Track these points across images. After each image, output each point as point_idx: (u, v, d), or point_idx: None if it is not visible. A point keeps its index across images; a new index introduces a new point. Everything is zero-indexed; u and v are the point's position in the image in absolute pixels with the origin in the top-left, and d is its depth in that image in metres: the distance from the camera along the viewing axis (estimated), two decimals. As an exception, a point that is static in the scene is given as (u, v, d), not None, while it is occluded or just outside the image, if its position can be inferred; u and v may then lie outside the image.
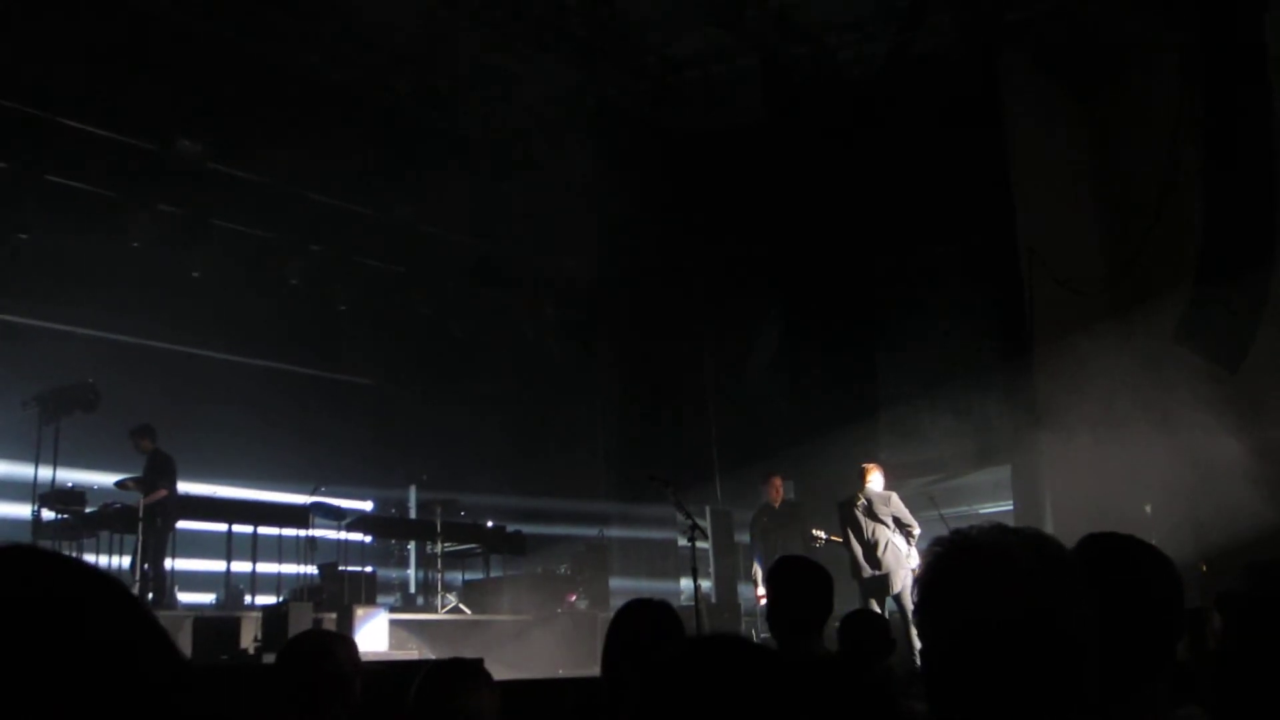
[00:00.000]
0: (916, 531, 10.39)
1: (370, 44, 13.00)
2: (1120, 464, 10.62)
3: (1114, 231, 13.16)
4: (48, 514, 11.18)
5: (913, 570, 9.86)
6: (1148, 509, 10.72)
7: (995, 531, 1.68)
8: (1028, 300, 12.53)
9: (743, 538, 14.34)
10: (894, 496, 10.53)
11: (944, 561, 1.65)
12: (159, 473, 11.47)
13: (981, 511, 13.39)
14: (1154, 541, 2.27)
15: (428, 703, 3.37)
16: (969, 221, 13.04)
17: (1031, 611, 1.54)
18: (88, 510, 11.38)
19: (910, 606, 9.13)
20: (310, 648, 3.70)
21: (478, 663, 3.60)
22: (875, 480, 10.61)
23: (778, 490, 12.69)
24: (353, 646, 3.76)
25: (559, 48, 13.31)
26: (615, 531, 15.23)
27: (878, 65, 13.38)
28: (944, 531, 1.77)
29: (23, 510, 11.22)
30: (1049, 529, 10.85)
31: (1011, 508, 12.69)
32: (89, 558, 11.57)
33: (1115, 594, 1.97)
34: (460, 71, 13.55)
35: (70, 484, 11.47)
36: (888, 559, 10.19)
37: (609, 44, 13.37)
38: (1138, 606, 2.01)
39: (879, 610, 9.66)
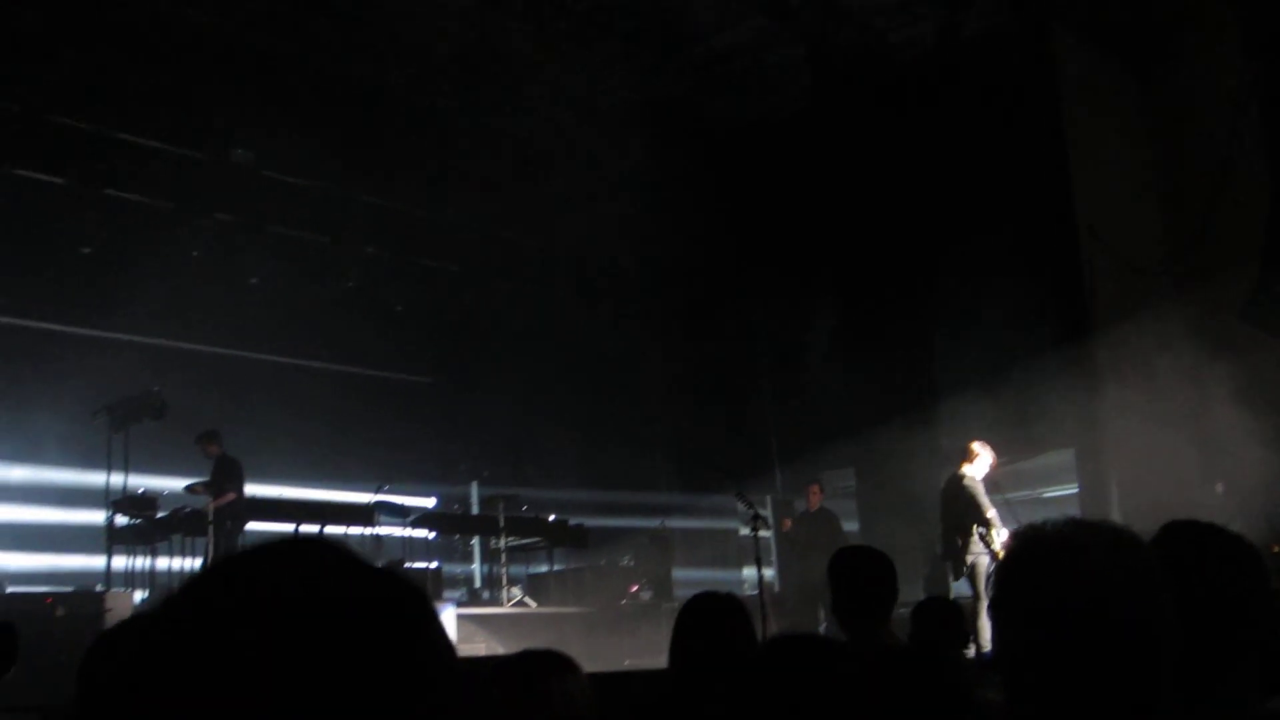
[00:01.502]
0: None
1: (417, 47, 13.08)
2: (1186, 444, 10.48)
3: (1176, 209, 12.95)
4: (121, 519, 11.42)
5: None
6: (1219, 488, 10.56)
7: (1069, 524, 1.68)
8: (1088, 281, 12.38)
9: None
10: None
11: (1019, 553, 1.66)
12: (226, 476, 11.65)
13: (1045, 496, 13.25)
14: (1226, 522, 2.24)
15: (520, 690, 3.39)
16: (1025, 204, 12.88)
17: (1105, 603, 1.55)
18: (159, 515, 11.61)
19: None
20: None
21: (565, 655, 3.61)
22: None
23: (815, 496, 12.79)
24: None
25: (605, 42, 13.32)
26: (677, 522, 15.27)
27: (927, 48, 13.26)
28: (1009, 516, 1.78)
29: (97, 516, 11.46)
30: (1115, 512, 10.75)
31: (1076, 491, 12.55)
32: (161, 561, 11.86)
33: (1196, 584, 1.96)
34: (507, 69, 13.60)
35: (141, 490, 11.69)
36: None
37: (655, 37, 13.35)
38: (1219, 596, 2.00)
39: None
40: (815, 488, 13.07)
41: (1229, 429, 10.45)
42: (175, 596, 0.89)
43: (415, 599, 0.92)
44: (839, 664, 1.41)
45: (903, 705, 1.39)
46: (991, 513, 9.85)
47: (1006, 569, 1.66)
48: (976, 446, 10.29)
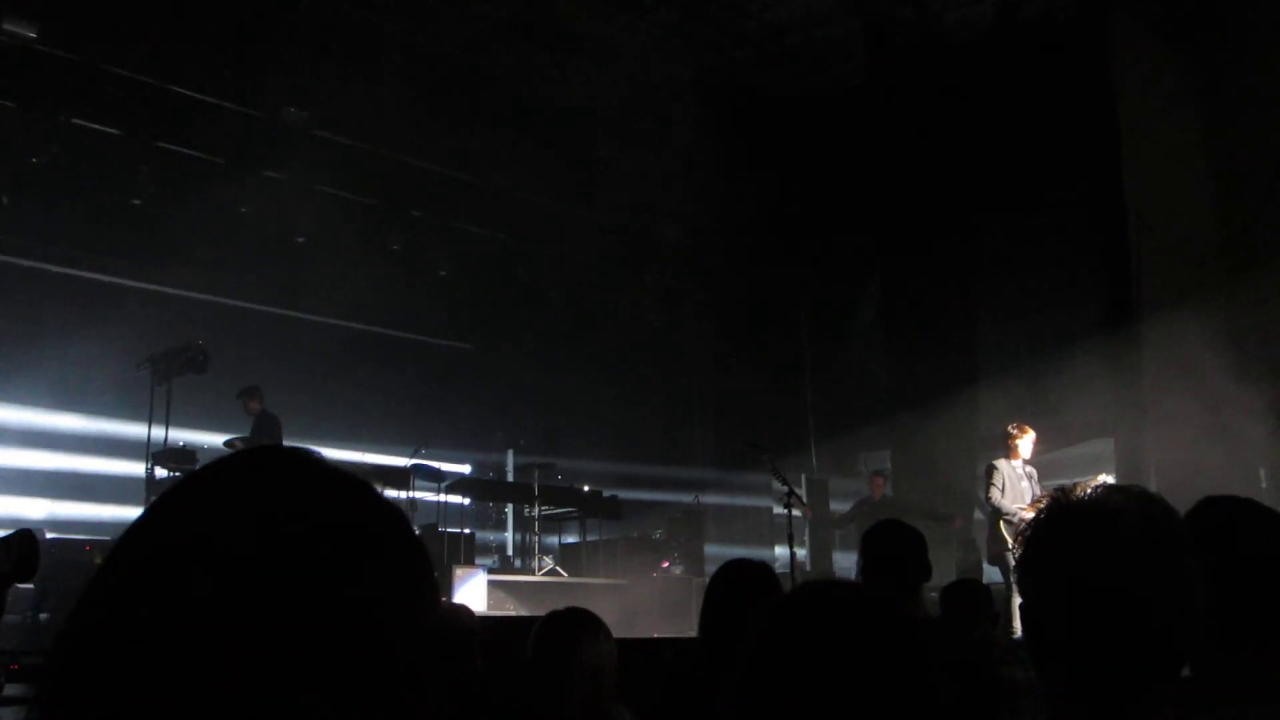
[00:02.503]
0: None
1: (473, 13, 13.06)
2: (1229, 437, 10.34)
3: (1227, 198, 12.75)
4: (161, 472, 11.51)
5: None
6: (1262, 474, 10.43)
7: (1101, 491, 1.66)
8: (1134, 268, 12.21)
9: (839, 506, 14.27)
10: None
11: (1048, 520, 1.63)
12: (265, 433, 11.73)
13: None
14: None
15: (550, 649, 3.40)
16: (1074, 188, 12.73)
17: (1133, 566, 1.52)
18: (198, 468, 11.69)
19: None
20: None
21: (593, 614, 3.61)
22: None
23: (879, 486, 12.73)
24: (469, 612, 3.86)
25: (659, 13, 13.25)
26: (711, 498, 15.26)
27: (984, 29, 13.09)
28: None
29: (137, 468, 11.57)
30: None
31: (1123, 484, 12.41)
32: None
33: (1230, 556, 1.92)
34: (560, 39, 13.57)
35: (182, 443, 11.78)
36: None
37: (709, 10, 13.28)
38: (1254, 570, 1.96)
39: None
40: (880, 480, 13.00)
41: (1273, 422, 10.31)
42: (134, 529, 0.87)
43: (391, 518, 0.89)
44: (876, 612, 1.38)
45: (928, 668, 1.36)
46: (995, 497, 9.68)
47: (1036, 530, 1.63)
48: (1011, 429, 10.13)
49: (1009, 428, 10.09)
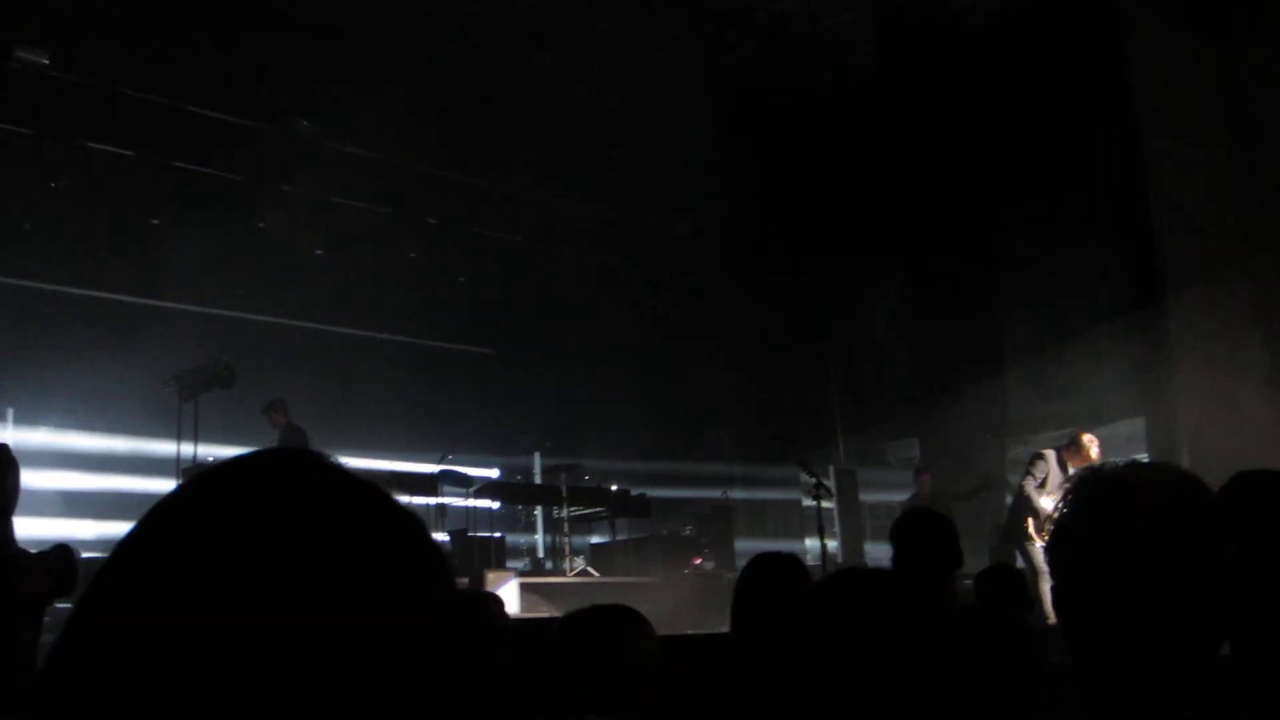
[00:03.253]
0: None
1: (477, 17, 13.07)
2: (1261, 411, 10.24)
3: (1250, 173, 12.62)
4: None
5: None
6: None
7: (1131, 466, 1.64)
8: (1158, 246, 12.12)
9: (867, 497, 14.23)
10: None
11: (1075, 495, 1.62)
12: (293, 445, 11.76)
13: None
14: None
15: (589, 644, 3.37)
16: (1094, 168, 12.64)
17: (1164, 541, 1.50)
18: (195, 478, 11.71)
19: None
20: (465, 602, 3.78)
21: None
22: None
23: (925, 484, 12.61)
24: (500, 602, 3.85)
25: (668, 7, 13.23)
26: (739, 493, 15.24)
27: (994, 10, 13.01)
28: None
29: (167, 485, 11.63)
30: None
31: (1153, 461, 12.32)
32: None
33: (1263, 531, 1.90)
34: (567, 39, 13.56)
35: (210, 458, 11.82)
36: None
37: (716, 3, 13.25)
38: None
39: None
40: (925, 476, 12.75)
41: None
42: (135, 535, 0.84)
43: (405, 521, 0.87)
44: (907, 599, 1.37)
45: (959, 655, 1.35)
46: (1028, 485, 9.53)
47: (1065, 510, 1.61)
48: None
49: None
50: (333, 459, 0.89)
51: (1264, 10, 12.20)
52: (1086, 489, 1.61)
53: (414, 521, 0.88)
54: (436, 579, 0.86)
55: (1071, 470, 9.60)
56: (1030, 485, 9.56)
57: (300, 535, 0.80)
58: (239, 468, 0.88)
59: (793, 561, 3.79)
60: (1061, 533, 1.62)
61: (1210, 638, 1.51)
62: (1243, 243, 12.26)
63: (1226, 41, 12.74)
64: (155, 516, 0.85)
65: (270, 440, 11.90)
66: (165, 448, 11.81)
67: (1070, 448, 9.74)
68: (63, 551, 5.01)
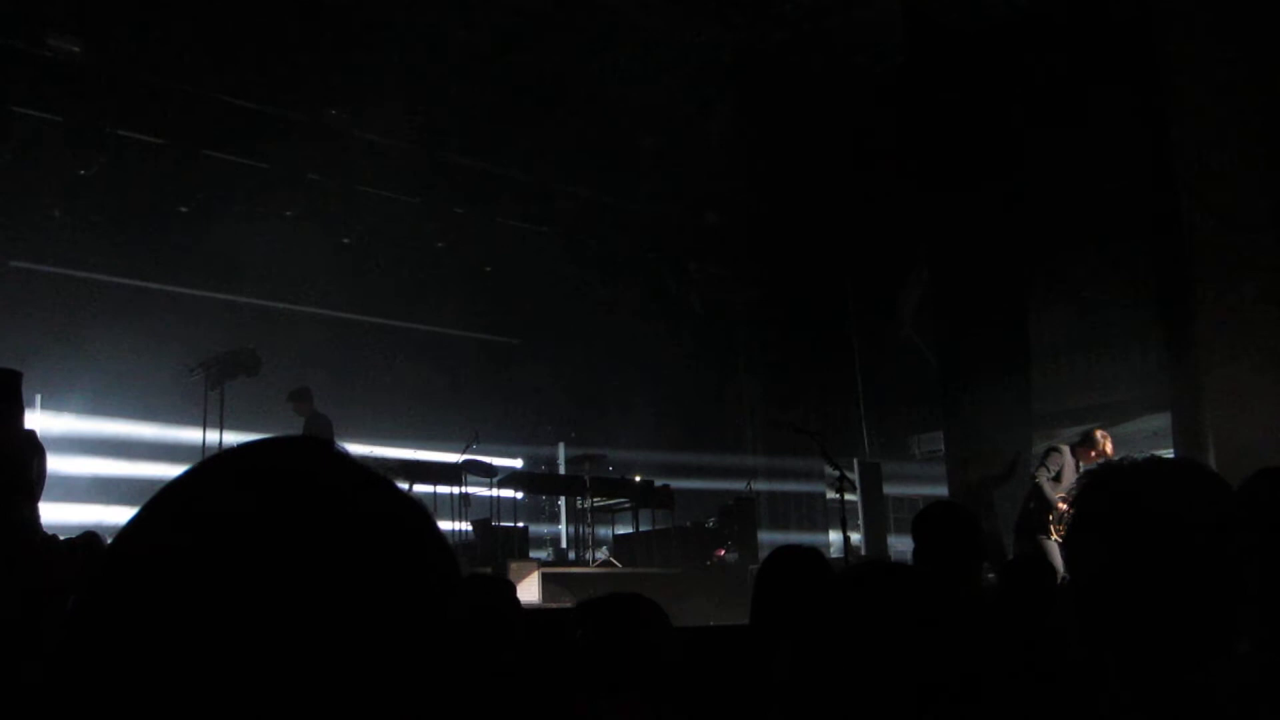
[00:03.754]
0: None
1: (507, 7, 13.08)
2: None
3: (1281, 165, 12.48)
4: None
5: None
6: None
7: (1148, 460, 1.64)
8: (1187, 240, 12.00)
9: (891, 490, 14.19)
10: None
11: (1091, 487, 1.61)
12: (318, 434, 11.83)
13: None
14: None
15: (603, 634, 3.38)
16: (1122, 162, 12.53)
17: (1178, 533, 1.49)
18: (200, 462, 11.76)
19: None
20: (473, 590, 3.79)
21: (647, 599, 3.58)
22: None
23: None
24: (511, 589, 3.85)
25: (695, 1, 13.20)
26: (763, 485, 15.22)
27: (1023, 3, 12.92)
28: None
29: (193, 472, 11.68)
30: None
31: (1172, 456, 12.25)
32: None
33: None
34: (597, 28, 13.55)
35: (235, 445, 11.87)
36: None
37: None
38: None
39: None
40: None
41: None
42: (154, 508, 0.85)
43: (414, 512, 0.87)
44: (926, 593, 1.37)
45: (980, 649, 1.35)
46: (1042, 477, 9.52)
47: (1083, 496, 1.61)
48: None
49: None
50: (341, 447, 0.90)
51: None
52: (1099, 480, 1.61)
53: (421, 507, 0.88)
54: (447, 560, 0.86)
55: (1083, 466, 9.61)
56: (1044, 478, 9.55)
57: (315, 515, 0.80)
58: (252, 452, 0.88)
59: (813, 555, 3.78)
60: (1078, 526, 1.61)
61: (1225, 632, 1.50)
62: (1271, 238, 12.12)
63: (1260, 34, 12.59)
64: (169, 496, 0.86)
65: (295, 428, 11.95)
66: (191, 434, 11.89)
67: (1084, 444, 9.75)
68: (90, 539, 5.05)
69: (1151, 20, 12.20)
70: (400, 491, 0.88)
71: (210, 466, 0.87)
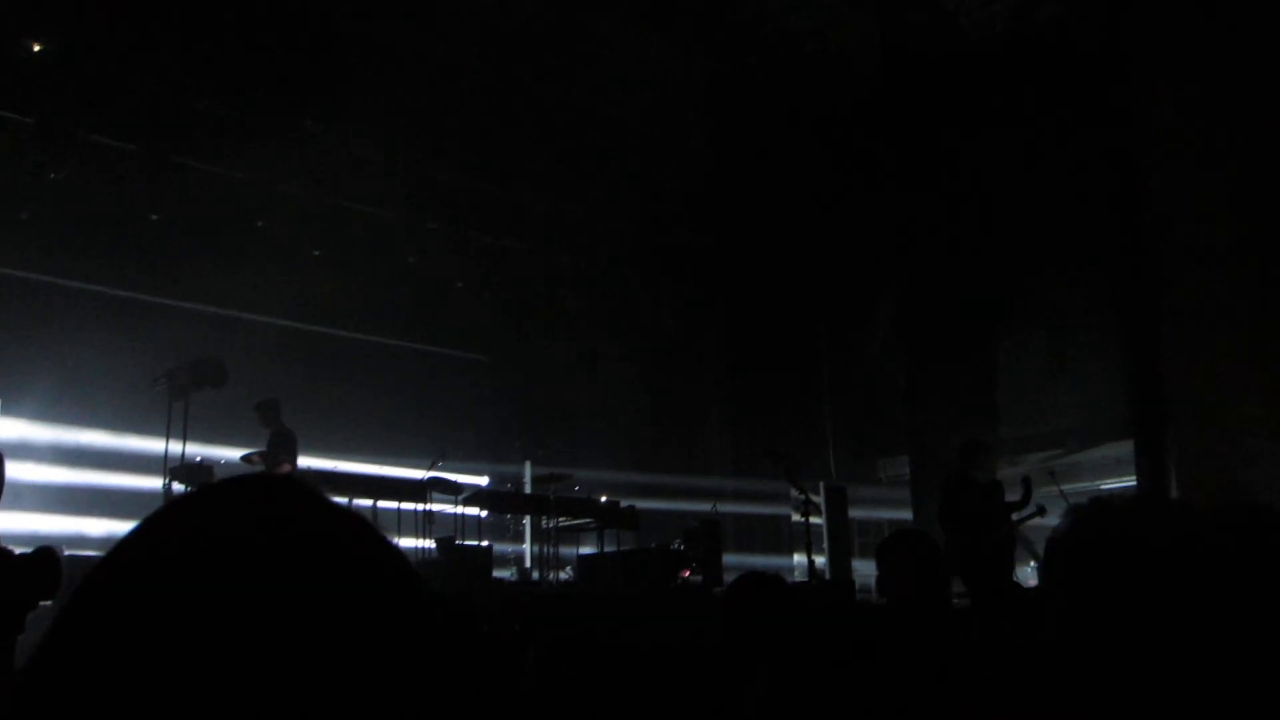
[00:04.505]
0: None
1: (487, 22, 13.09)
2: (1251, 435, 10.24)
3: (1250, 197, 12.62)
4: (178, 487, 11.50)
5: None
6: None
7: (1130, 498, 1.65)
8: (1153, 270, 12.12)
9: (857, 514, 14.21)
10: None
11: (1074, 522, 1.62)
12: (282, 448, 11.73)
13: (1103, 487, 13.05)
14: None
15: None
16: (1093, 189, 12.66)
17: (1148, 570, 1.50)
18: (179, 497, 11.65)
19: None
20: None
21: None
22: None
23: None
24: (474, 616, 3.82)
25: (676, 20, 13.25)
26: (729, 507, 15.21)
27: (999, 31, 13.04)
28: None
29: (155, 483, 11.59)
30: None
31: (1134, 484, 12.35)
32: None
33: (1246, 562, 1.89)
34: (576, 49, 13.58)
35: (199, 458, 11.79)
36: None
37: (724, 17, 13.26)
38: (1271, 576, 1.92)
39: None
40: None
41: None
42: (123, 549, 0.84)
43: (387, 551, 0.87)
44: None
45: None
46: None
47: (1067, 533, 1.63)
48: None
49: (974, 444, 9.81)
50: (316, 487, 0.90)
51: (1264, 37, 12.22)
52: (1091, 519, 1.62)
53: (394, 549, 0.89)
54: (416, 600, 0.86)
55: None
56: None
57: (289, 557, 0.81)
58: (229, 490, 0.88)
59: (776, 583, 3.79)
60: (1066, 562, 1.63)
61: (1184, 656, 1.52)
62: (1238, 268, 12.26)
63: (1233, 64, 12.74)
64: (143, 534, 0.85)
65: (260, 441, 11.86)
66: (154, 445, 11.76)
67: (972, 457, 9.68)
68: (46, 554, 4.98)
69: (1124, 54, 12.34)
70: (373, 533, 0.88)
71: (182, 511, 0.87)
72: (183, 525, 0.85)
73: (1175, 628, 1.49)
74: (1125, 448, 12.52)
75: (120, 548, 0.84)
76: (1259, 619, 1.78)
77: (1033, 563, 12.91)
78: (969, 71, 13.23)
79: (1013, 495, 9.75)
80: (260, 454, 11.68)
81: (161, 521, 0.86)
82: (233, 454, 12.13)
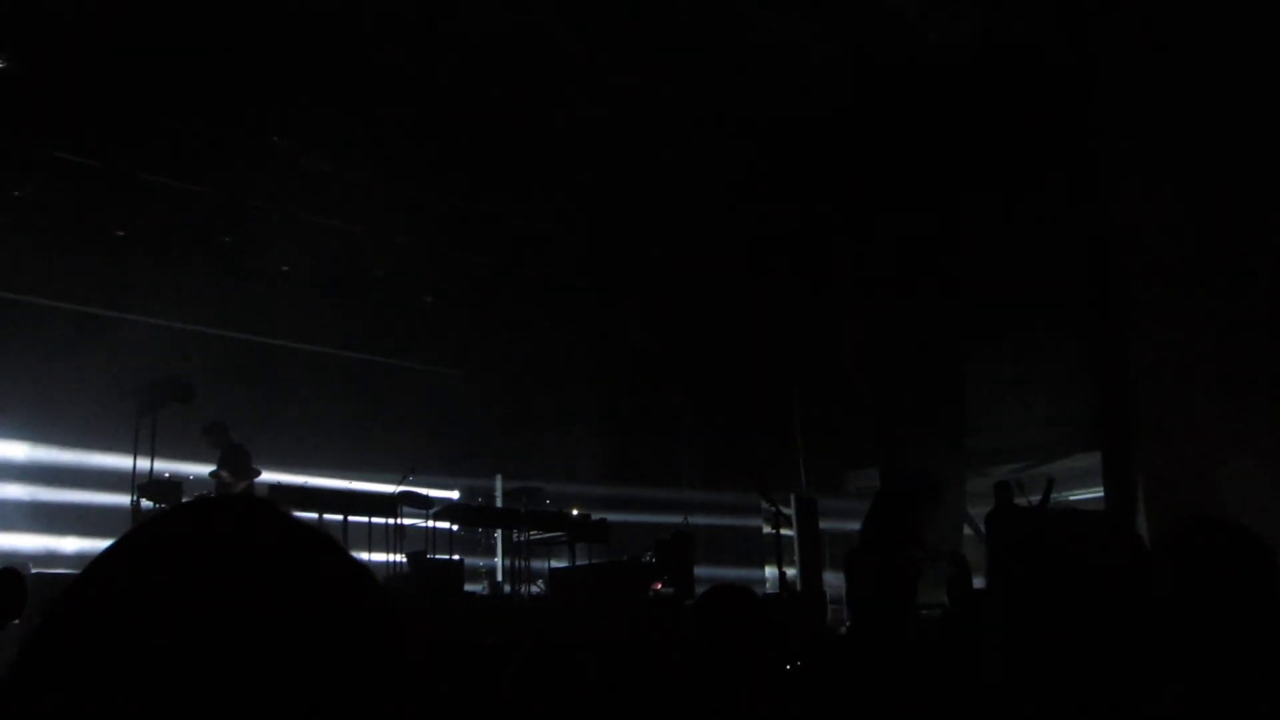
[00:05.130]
0: None
1: (457, 39, 13.08)
2: (1217, 446, 10.36)
3: (1212, 217, 12.78)
4: (146, 503, 11.42)
5: None
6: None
7: (1069, 514, 1.70)
8: (1120, 285, 12.26)
9: (827, 525, 14.26)
10: None
11: (1019, 541, 1.66)
12: (236, 463, 11.67)
13: (1071, 498, 13.16)
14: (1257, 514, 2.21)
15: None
16: (1058, 205, 12.79)
17: (1100, 587, 1.54)
18: (184, 500, 11.61)
19: None
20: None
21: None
22: None
23: None
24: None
25: (647, 37, 13.27)
26: (700, 519, 15.23)
27: (967, 48, 13.14)
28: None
29: (123, 499, 11.51)
30: (1141, 516, 10.63)
31: (1102, 494, 12.47)
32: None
33: (1198, 575, 1.93)
34: (544, 63, 13.59)
35: (167, 474, 11.72)
36: None
37: (696, 32, 13.30)
38: (1222, 587, 1.96)
39: None
40: None
41: (1259, 431, 10.32)
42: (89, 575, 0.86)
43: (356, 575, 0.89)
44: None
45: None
46: None
47: (1010, 547, 1.67)
48: None
49: None
50: (281, 510, 0.91)
51: (1222, 60, 12.37)
52: (1029, 534, 1.65)
53: (360, 566, 0.90)
54: (382, 617, 0.88)
55: None
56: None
57: (258, 577, 0.82)
58: (198, 513, 0.89)
59: (746, 595, 3.82)
60: (1005, 574, 1.65)
61: (1152, 674, 1.54)
62: (1203, 284, 12.41)
63: (1189, 81, 12.89)
64: (114, 558, 0.86)
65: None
66: (122, 462, 11.68)
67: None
68: (11, 576, 4.97)
69: (1088, 74, 12.46)
70: (341, 555, 0.90)
71: (149, 536, 0.88)
72: (154, 548, 0.86)
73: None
74: (1093, 459, 12.65)
75: (92, 570, 0.85)
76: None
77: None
78: (938, 87, 13.33)
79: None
80: (229, 470, 11.63)
81: (132, 544, 0.87)
82: (201, 470, 12.06)
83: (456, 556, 13.06)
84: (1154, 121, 12.89)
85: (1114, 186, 12.37)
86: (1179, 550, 1.87)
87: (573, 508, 14.17)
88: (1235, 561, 2.02)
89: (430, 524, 13.01)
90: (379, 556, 12.72)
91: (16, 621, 5.43)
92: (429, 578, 11.73)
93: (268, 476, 11.97)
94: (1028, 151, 12.52)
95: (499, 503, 15.27)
